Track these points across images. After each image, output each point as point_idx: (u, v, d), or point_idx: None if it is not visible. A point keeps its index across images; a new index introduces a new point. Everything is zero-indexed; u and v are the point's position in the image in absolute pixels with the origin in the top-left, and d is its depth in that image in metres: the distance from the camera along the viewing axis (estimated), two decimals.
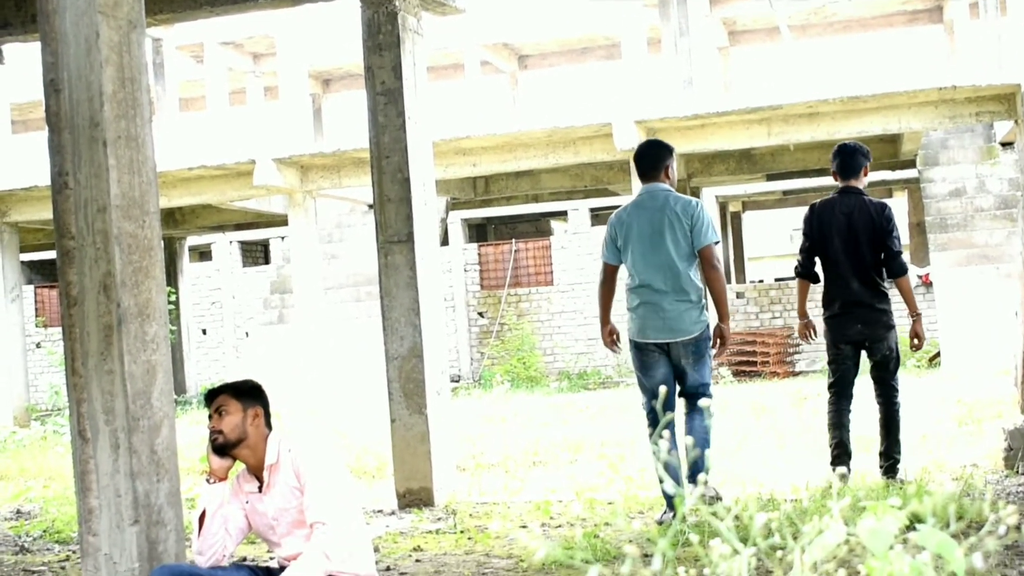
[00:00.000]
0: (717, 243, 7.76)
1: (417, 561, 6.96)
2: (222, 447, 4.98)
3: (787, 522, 2.41)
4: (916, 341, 8.35)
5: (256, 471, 5.03)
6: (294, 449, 4.95)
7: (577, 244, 25.99)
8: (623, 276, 7.97)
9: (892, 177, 26.20)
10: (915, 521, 2.39)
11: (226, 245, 29.19)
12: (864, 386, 8.58)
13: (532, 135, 18.07)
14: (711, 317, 7.80)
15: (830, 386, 8.48)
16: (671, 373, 7.72)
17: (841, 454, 8.33)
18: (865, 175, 8.60)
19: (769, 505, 7.40)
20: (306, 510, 4.85)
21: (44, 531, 8.85)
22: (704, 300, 7.82)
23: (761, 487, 8.24)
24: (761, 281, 37.00)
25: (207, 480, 5.09)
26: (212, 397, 5.05)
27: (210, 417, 5.03)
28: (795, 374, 21.34)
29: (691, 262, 7.72)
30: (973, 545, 2.33)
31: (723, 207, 28.16)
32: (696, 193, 23.19)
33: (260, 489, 5.01)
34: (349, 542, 4.86)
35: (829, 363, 8.49)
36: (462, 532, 7.70)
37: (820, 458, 10.05)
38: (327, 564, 4.76)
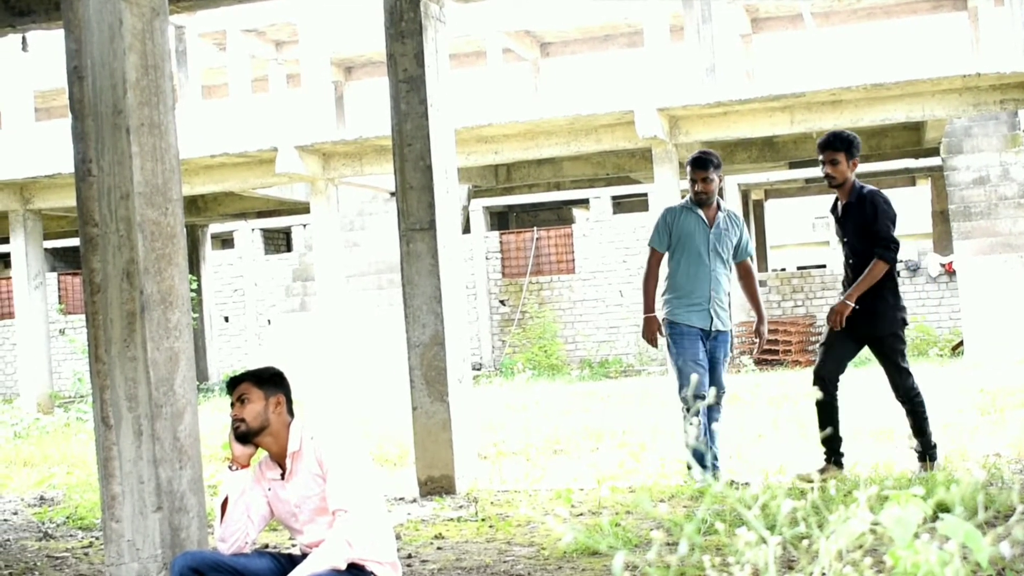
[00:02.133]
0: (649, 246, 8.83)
1: (439, 549, 6.96)
2: (244, 435, 4.98)
3: (812, 511, 2.40)
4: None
5: (279, 459, 5.03)
6: (317, 437, 4.95)
7: (599, 232, 25.96)
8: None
9: (915, 165, 26.08)
10: (942, 510, 2.38)
11: (248, 233, 29.25)
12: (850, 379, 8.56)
13: (554, 123, 18.04)
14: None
15: (912, 371, 8.34)
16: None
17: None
18: None
19: (794, 493, 7.38)
20: (328, 498, 4.85)
21: (67, 517, 8.89)
22: (665, 295, 8.72)
23: (784, 476, 8.22)
24: (783, 269, 36.94)
25: (229, 467, 5.09)
26: (234, 385, 5.05)
27: (232, 405, 5.02)
28: None
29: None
30: (999, 535, 2.32)
31: (745, 195, 28.09)
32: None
33: (282, 476, 5.02)
34: (371, 530, 4.86)
35: (905, 348, 8.33)
36: (483, 520, 7.70)
37: (842, 447, 10.00)
38: (349, 551, 4.76)
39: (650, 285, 8.59)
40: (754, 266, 8.87)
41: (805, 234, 44.67)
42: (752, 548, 2.17)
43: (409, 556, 6.69)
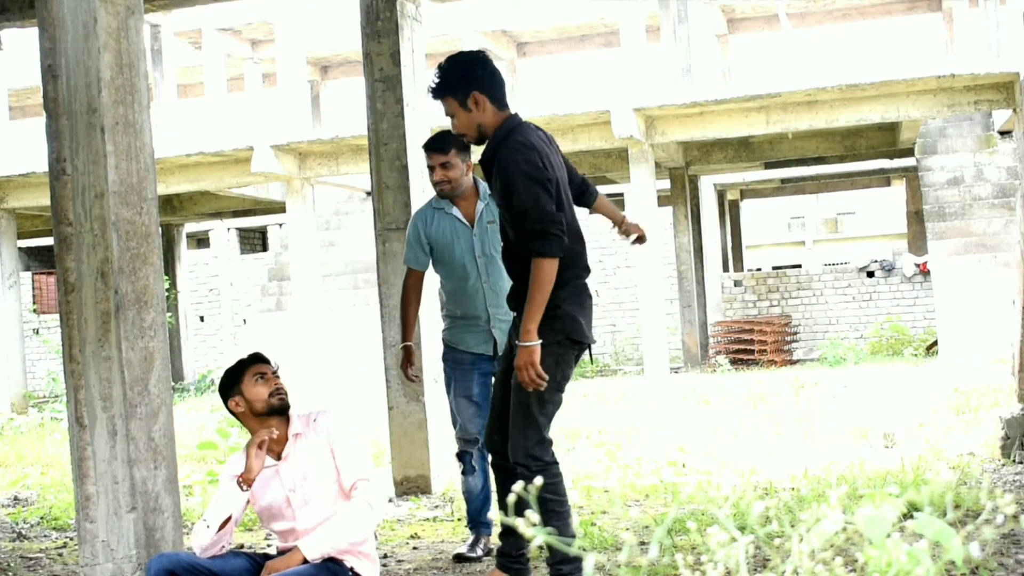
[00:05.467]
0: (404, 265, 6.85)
1: (415, 549, 6.96)
2: (285, 407, 5.09)
3: (785, 510, 2.41)
4: None
5: (278, 442, 5.08)
6: (319, 418, 5.12)
7: None
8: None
9: (890, 165, 26.21)
10: (913, 509, 2.39)
11: (224, 232, 29.16)
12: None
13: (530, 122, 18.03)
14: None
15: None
16: None
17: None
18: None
19: (767, 493, 7.41)
20: (344, 472, 4.97)
21: (42, 518, 8.85)
22: (441, 311, 6.96)
23: (759, 475, 8.24)
24: (759, 269, 37.02)
25: (239, 485, 5.02)
26: (253, 363, 5.13)
27: (262, 376, 5.07)
28: (792, 362, 21.34)
29: None
30: (971, 533, 2.33)
31: (721, 195, 28.14)
32: (694, 181, 23.21)
33: (278, 458, 5.06)
34: (384, 499, 4.99)
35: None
36: (459, 520, 7.70)
37: (818, 446, 10.05)
38: (371, 514, 4.89)
39: (408, 311, 6.61)
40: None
41: (780, 234, 44.80)
42: (724, 547, 2.17)
43: (385, 556, 6.69)
